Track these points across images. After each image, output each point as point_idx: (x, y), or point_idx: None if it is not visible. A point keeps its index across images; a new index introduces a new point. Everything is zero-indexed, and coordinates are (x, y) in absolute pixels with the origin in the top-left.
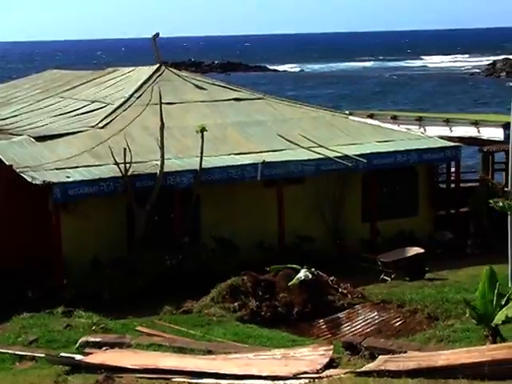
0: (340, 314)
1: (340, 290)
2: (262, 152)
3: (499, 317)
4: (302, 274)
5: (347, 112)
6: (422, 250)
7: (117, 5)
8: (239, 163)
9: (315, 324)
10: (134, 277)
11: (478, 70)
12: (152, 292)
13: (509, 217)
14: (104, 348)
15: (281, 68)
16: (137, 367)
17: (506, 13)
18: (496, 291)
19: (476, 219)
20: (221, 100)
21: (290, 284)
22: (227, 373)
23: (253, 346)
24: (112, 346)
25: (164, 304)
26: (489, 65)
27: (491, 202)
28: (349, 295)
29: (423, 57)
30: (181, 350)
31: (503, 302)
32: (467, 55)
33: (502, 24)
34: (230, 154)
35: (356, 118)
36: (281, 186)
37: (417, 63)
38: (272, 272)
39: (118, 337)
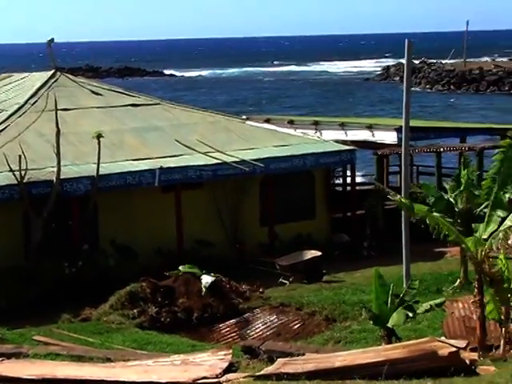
0: (240, 318)
1: (239, 294)
2: (159, 157)
3: (393, 317)
4: (208, 279)
5: (244, 117)
6: (319, 253)
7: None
8: (137, 169)
9: (215, 328)
10: (31, 285)
11: (372, 75)
12: (50, 300)
13: (403, 219)
14: (0, 359)
15: (178, 73)
16: (34, 377)
17: (397, 19)
18: (390, 292)
19: (372, 221)
20: (117, 106)
21: (203, 292)
22: (126, 380)
23: (152, 352)
24: (9, 356)
25: (62, 312)
26: (383, 69)
27: (390, 196)
28: (248, 299)
29: (321, 62)
30: (79, 359)
31: (398, 303)
32: (363, 60)
33: (395, 30)
34: (127, 160)
35: (253, 123)
36: (179, 192)
37: (314, 68)
38: (172, 276)
39: (15, 347)
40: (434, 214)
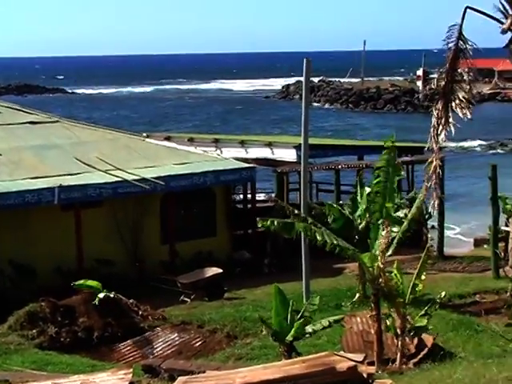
0: (141, 337)
1: (140, 312)
2: (58, 176)
3: (293, 333)
4: (103, 294)
5: (144, 134)
6: (220, 270)
7: None
8: (35, 187)
9: (116, 348)
10: None
11: (273, 94)
12: None
13: (302, 235)
14: None
15: (79, 90)
16: None
17: (297, 38)
18: (290, 308)
19: (272, 238)
20: (16, 123)
21: (93, 302)
22: None
23: (52, 373)
24: None
25: None
26: (283, 88)
27: (258, 220)
28: (149, 317)
29: (222, 80)
30: None
31: (297, 319)
32: (264, 79)
33: (295, 48)
34: (25, 179)
35: (153, 141)
36: (78, 210)
37: (215, 86)
38: (76, 287)
39: None
40: (329, 231)
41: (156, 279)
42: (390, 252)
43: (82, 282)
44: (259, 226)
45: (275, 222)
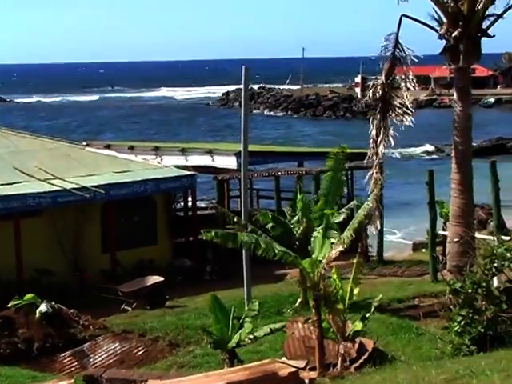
0: (82, 347)
1: (81, 322)
2: None
3: (235, 340)
4: (43, 306)
5: (84, 143)
6: (161, 279)
7: None
8: None
9: (57, 359)
10: None
11: (213, 101)
12: None
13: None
14: None
15: (17, 99)
16: None
17: (238, 45)
18: (231, 315)
19: (213, 246)
20: None
21: (35, 318)
22: None
23: None
24: None
25: None
26: (223, 95)
27: (202, 231)
28: (90, 327)
29: (162, 88)
30: None
31: (238, 326)
32: (206, 86)
33: (236, 56)
34: None
35: (93, 149)
36: (17, 220)
37: (155, 94)
38: (12, 308)
39: None
40: (270, 238)
41: (97, 288)
42: (331, 258)
43: (17, 301)
44: (203, 237)
45: (219, 234)
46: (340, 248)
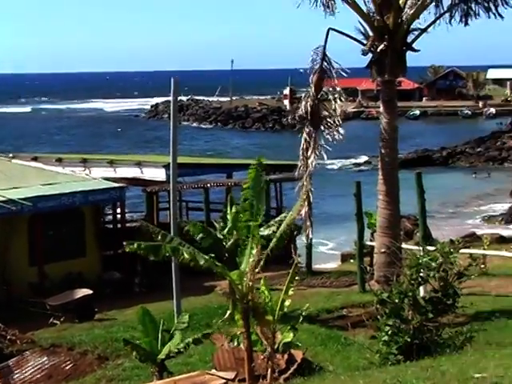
0: (9, 362)
1: (8, 336)
2: None
3: (164, 352)
4: None
5: (10, 155)
6: (90, 292)
7: None
8: None
9: None
10: None
11: (142, 113)
12: None
13: (173, 261)
14: None
15: None
16: None
17: (169, 56)
18: (161, 328)
19: (142, 258)
20: None
21: None
22: None
23: None
24: None
25: None
26: (152, 107)
27: (125, 243)
28: (18, 341)
29: (91, 99)
30: None
31: (168, 338)
32: (133, 98)
33: (165, 67)
34: None
35: (19, 161)
36: None
37: (84, 106)
38: None
39: None
40: (198, 250)
41: (24, 302)
42: (257, 269)
43: None
44: (126, 249)
45: (142, 245)
46: (261, 259)
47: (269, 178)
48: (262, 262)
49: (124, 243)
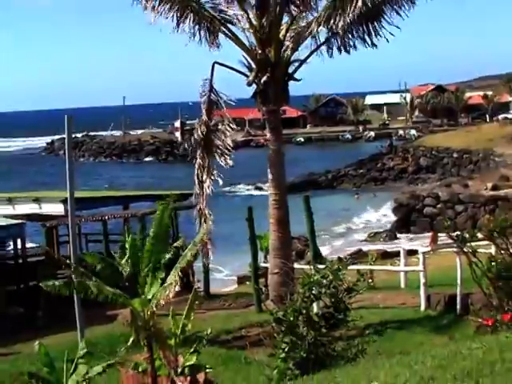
0: None
1: None
2: None
3: (71, 381)
4: None
5: None
6: None
7: None
8: None
9: None
10: None
11: (39, 150)
12: None
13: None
14: None
15: None
16: None
17: (58, 95)
18: (65, 358)
19: (45, 291)
20: None
21: None
22: None
23: None
24: None
25: None
26: (48, 144)
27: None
28: None
29: None
30: None
31: (72, 368)
32: (29, 137)
33: (59, 106)
34: None
35: None
36: None
37: None
38: None
39: None
40: (99, 280)
41: None
42: (163, 296)
43: None
44: (40, 283)
45: (57, 285)
46: (173, 288)
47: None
48: (173, 290)
49: (37, 282)
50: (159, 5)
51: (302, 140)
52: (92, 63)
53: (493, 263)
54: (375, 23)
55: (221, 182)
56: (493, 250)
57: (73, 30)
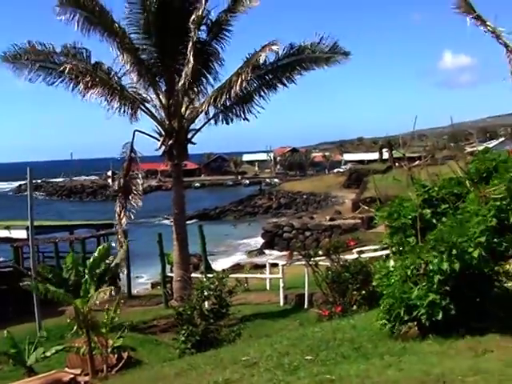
0: None
1: None
2: None
3: (31, 359)
4: None
5: None
6: None
7: None
8: None
9: None
10: None
11: (10, 191)
12: None
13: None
14: None
15: None
16: None
17: (20, 150)
18: (27, 341)
19: (14, 292)
20: None
21: None
22: None
23: None
24: None
25: None
26: (17, 187)
27: (21, 282)
28: None
29: None
30: None
31: (33, 349)
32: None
33: (22, 159)
34: None
35: None
36: None
37: None
38: None
39: None
40: (53, 286)
41: None
42: (99, 298)
43: None
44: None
45: (21, 287)
46: (110, 292)
47: (99, 234)
48: (108, 294)
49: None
50: (93, 88)
51: (198, 185)
52: (45, 128)
53: (329, 272)
54: (247, 104)
55: (133, 217)
56: (329, 262)
57: (34, 105)
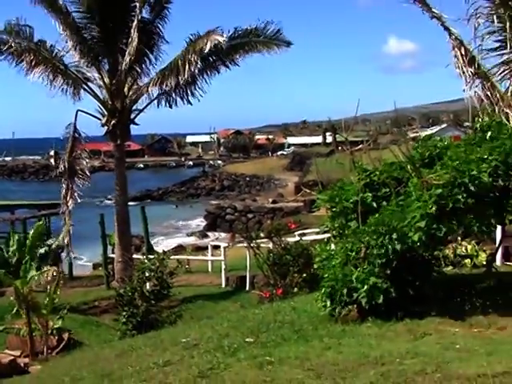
0: None
1: None
2: None
3: None
4: None
5: None
6: None
7: None
8: None
9: None
10: None
11: None
12: None
13: None
14: None
15: None
16: None
17: None
18: None
19: None
20: None
21: None
22: None
23: None
24: None
25: None
26: None
27: None
28: None
29: None
30: None
31: None
32: None
33: None
34: None
35: None
36: None
37: None
38: None
39: None
40: None
41: None
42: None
43: None
44: None
45: None
46: (51, 273)
47: (41, 214)
48: (51, 274)
49: None
50: (36, 67)
51: (142, 166)
52: None
53: (270, 254)
54: (191, 86)
55: (78, 200)
56: (271, 245)
57: None
